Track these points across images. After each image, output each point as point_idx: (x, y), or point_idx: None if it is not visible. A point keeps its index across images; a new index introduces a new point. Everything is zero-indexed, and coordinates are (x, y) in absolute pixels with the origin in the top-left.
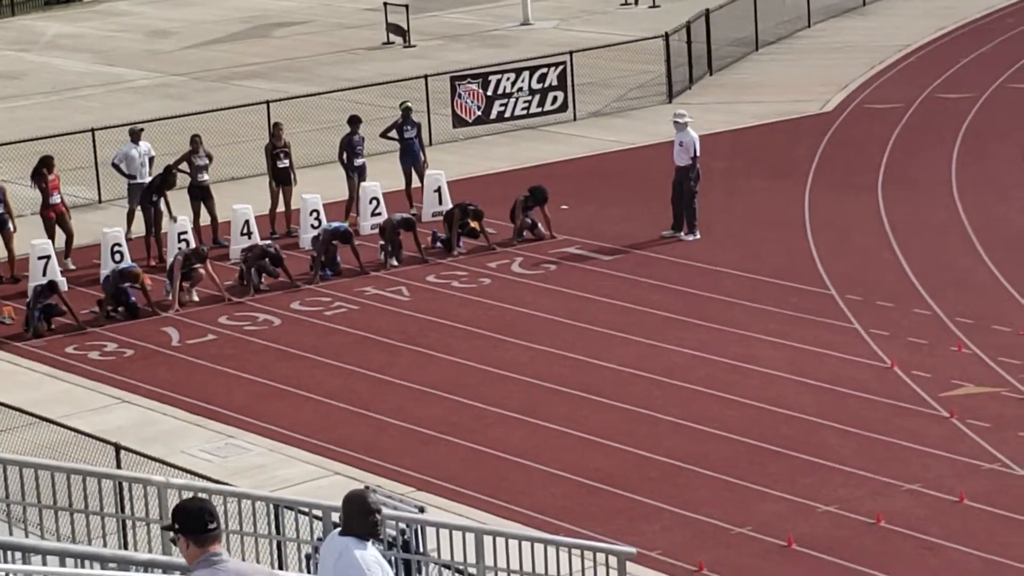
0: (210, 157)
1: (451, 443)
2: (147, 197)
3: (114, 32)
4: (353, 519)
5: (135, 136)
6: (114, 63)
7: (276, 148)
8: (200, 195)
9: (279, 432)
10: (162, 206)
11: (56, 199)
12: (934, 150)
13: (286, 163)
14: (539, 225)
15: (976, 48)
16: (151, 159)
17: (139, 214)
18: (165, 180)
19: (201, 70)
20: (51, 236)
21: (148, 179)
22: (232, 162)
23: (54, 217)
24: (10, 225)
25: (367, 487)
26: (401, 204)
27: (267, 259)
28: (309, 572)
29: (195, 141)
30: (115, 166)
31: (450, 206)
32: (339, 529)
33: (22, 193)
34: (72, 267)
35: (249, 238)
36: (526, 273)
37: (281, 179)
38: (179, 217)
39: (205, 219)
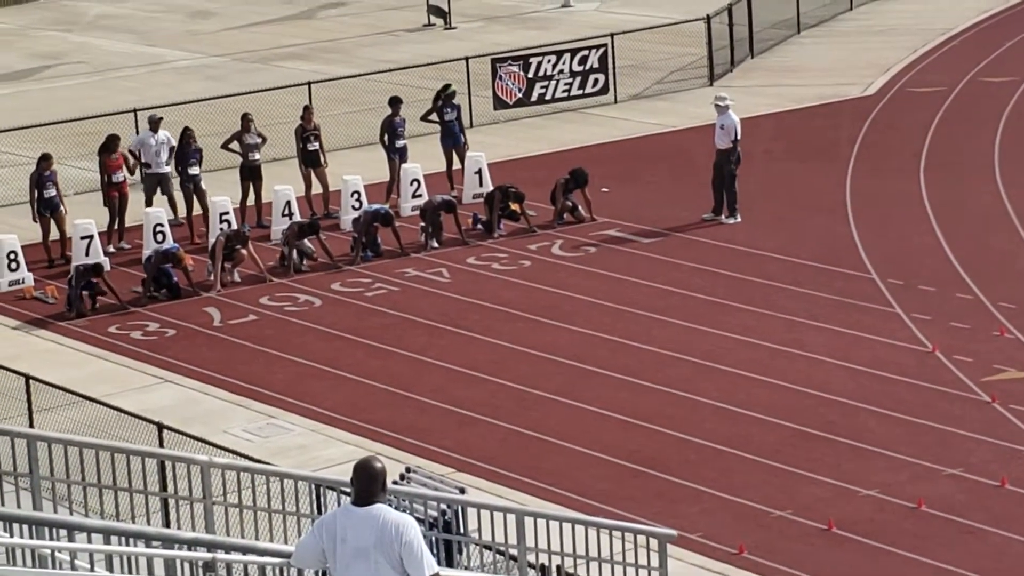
0: (262, 137)
1: (491, 424)
2: (185, 174)
3: (155, 12)
4: (376, 483)
5: (154, 124)
6: (155, 43)
7: (306, 131)
8: (250, 175)
9: (320, 412)
10: (203, 183)
11: (119, 178)
12: (977, 134)
13: (316, 146)
14: (579, 207)
15: (1020, 31)
16: (171, 149)
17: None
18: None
19: (242, 51)
20: (113, 216)
21: (164, 169)
22: (273, 144)
23: (117, 196)
24: (62, 208)
25: (408, 468)
26: (442, 186)
27: (305, 236)
28: None
29: (246, 120)
30: (131, 152)
31: (491, 188)
32: (355, 499)
33: (68, 174)
34: (127, 246)
35: (290, 219)
36: (566, 255)
37: (311, 161)
38: (220, 199)
39: (251, 200)
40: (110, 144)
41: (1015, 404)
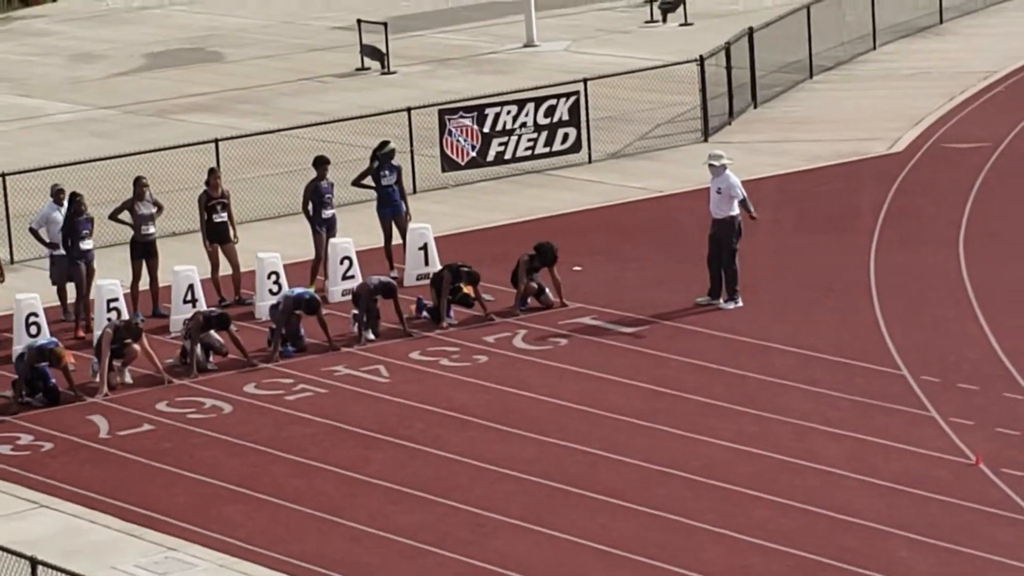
0: (159, 206)
1: (442, 557)
2: (76, 250)
3: (30, 56)
4: None
5: (58, 197)
6: (30, 93)
7: (212, 199)
8: (143, 252)
9: (231, 543)
10: (95, 262)
11: None
12: None
13: (224, 217)
14: (547, 290)
15: None
16: (89, 221)
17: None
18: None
19: (135, 102)
20: None
21: (89, 245)
22: (173, 214)
23: None
24: None
25: None
26: (379, 265)
27: (212, 329)
28: None
29: (139, 185)
30: (33, 231)
31: (439, 267)
32: None
33: None
34: None
35: (194, 306)
36: (531, 349)
37: (219, 236)
38: (108, 282)
39: (144, 283)
40: None
41: None
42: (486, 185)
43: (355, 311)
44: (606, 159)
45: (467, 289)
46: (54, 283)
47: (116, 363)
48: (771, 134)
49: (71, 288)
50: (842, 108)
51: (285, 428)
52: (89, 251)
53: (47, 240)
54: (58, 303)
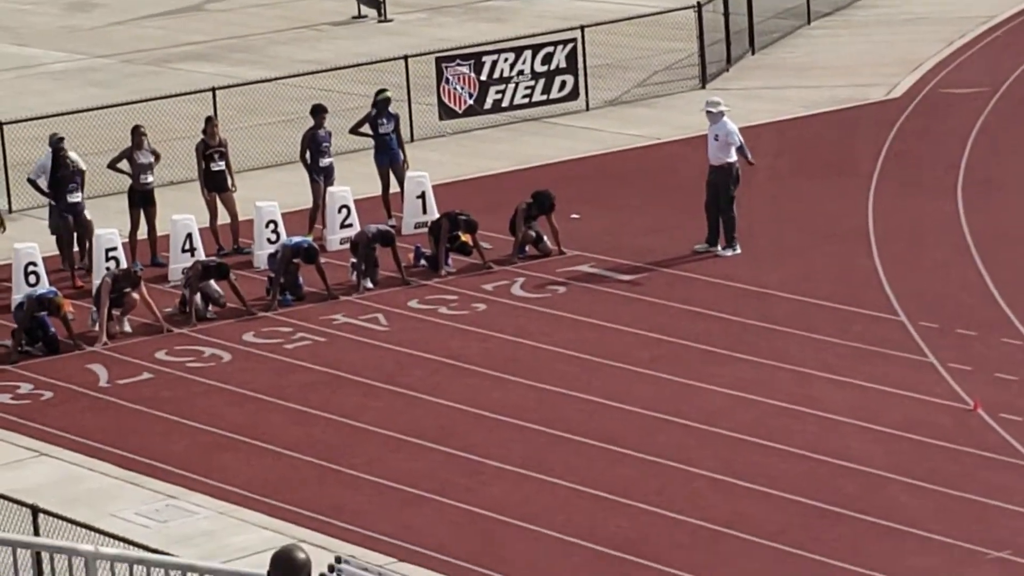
0: (156, 155)
1: (440, 504)
2: (63, 202)
3: (25, 5)
4: None
5: (57, 145)
6: (25, 42)
7: (210, 147)
8: (142, 201)
9: (230, 491)
10: (87, 213)
11: None
12: None
13: (222, 165)
14: (544, 238)
15: None
16: (77, 173)
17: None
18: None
19: (131, 51)
20: None
21: (76, 197)
22: (171, 163)
23: None
24: None
25: (338, 558)
26: (377, 213)
27: (212, 278)
28: None
29: (137, 134)
30: (32, 182)
31: (436, 216)
32: None
33: None
34: None
35: (192, 255)
36: (529, 297)
37: (216, 185)
38: (107, 231)
39: (142, 232)
40: None
41: None
42: (483, 133)
43: (353, 259)
44: (603, 106)
45: (465, 237)
46: (52, 232)
47: (115, 312)
48: (769, 80)
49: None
50: (840, 54)
51: (284, 376)
52: (77, 203)
53: (45, 190)
54: (56, 252)
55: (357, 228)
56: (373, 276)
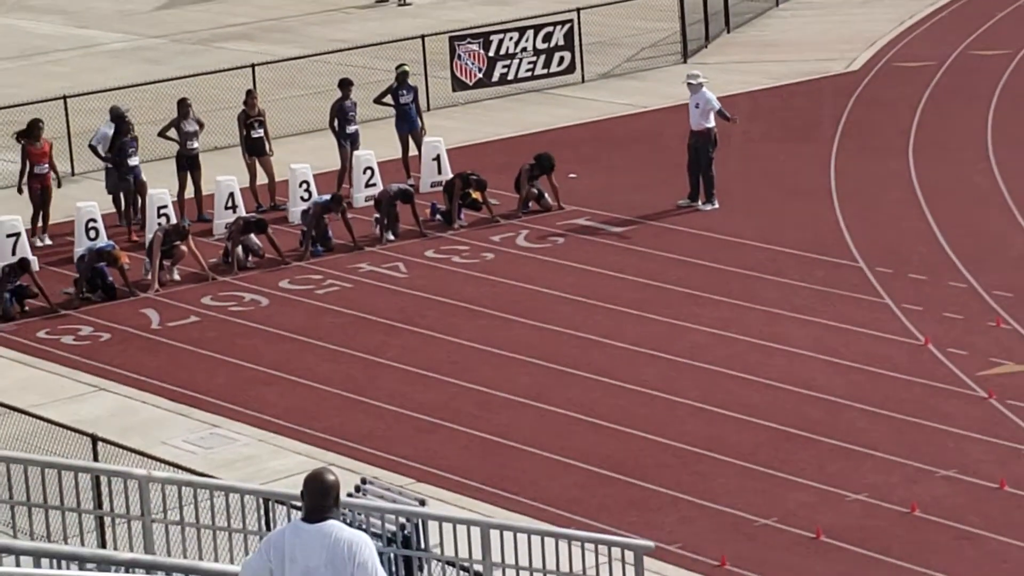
0: (200, 124)
1: (453, 431)
2: (124, 166)
3: None
4: (328, 498)
5: (117, 116)
6: (86, 25)
7: (250, 117)
8: (188, 165)
9: (268, 420)
10: (143, 175)
11: (43, 169)
12: (968, 111)
13: (260, 133)
14: (546, 195)
15: (1013, 1)
16: (134, 140)
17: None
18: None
19: (180, 32)
20: (36, 209)
21: (133, 161)
22: (215, 131)
23: (39, 189)
24: None
25: (363, 479)
26: (398, 174)
27: (252, 232)
28: None
29: (184, 105)
30: (92, 148)
31: (450, 176)
32: (305, 515)
33: None
34: (49, 242)
35: (234, 212)
36: (532, 247)
37: (256, 150)
38: (158, 191)
39: (189, 192)
40: (32, 130)
41: (1013, 400)
42: (491, 103)
43: (377, 215)
44: (597, 79)
45: (476, 195)
46: (110, 192)
47: (166, 263)
48: (743, 55)
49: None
50: (805, 32)
51: (315, 318)
52: (136, 167)
53: (104, 155)
54: (113, 210)
55: (380, 187)
56: (394, 229)
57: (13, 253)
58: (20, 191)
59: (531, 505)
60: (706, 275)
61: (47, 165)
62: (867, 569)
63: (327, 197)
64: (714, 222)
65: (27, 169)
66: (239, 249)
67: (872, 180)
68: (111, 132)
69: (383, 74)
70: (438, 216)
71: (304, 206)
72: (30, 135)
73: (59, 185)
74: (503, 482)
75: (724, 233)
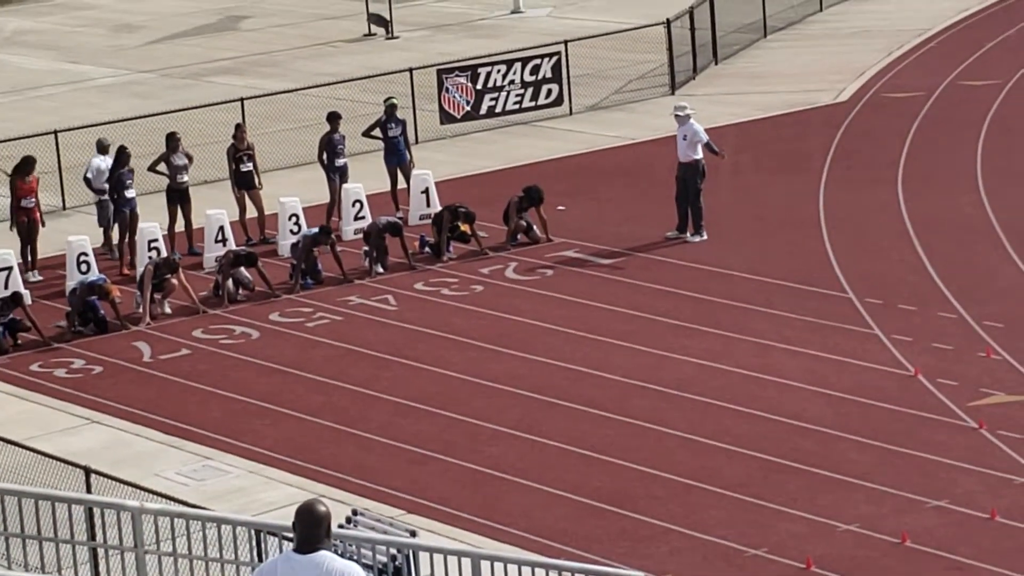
0: (190, 158)
1: (443, 462)
2: (122, 199)
3: (77, 27)
4: (320, 528)
5: (103, 148)
6: (77, 60)
7: (239, 151)
8: (178, 199)
9: (259, 452)
10: (137, 208)
11: (30, 203)
12: (958, 141)
13: (249, 166)
14: (534, 227)
15: (1002, 31)
16: (131, 172)
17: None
18: (119, 159)
19: (169, 66)
20: (24, 243)
21: (132, 194)
22: (204, 164)
23: (25, 222)
24: None
25: (354, 510)
26: (386, 207)
27: (242, 265)
28: None
29: (173, 139)
30: (87, 180)
31: (439, 208)
32: (297, 546)
33: None
34: (39, 278)
35: (224, 245)
36: (521, 279)
37: (245, 183)
38: (148, 225)
39: (180, 225)
40: (25, 166)
41: (1003, 430)
42: (480, 135)
43: (366, 247)
44: (585, 111)
45: (464, 227)
46: (100, 225)
47: (157, 296)
48: (731, 87)
49: (116, 229)
50: (793, 63)
51: (306, 351)
52: (132, 199)
53: (95, 188)
54: (102, 241)
55: (369, 220)
56: (383, 262)
57: (5, 287)
58: (11, 227)
59: (522, 536)
60: (695, 307)
61: (33, 199)
62: None
63: (316, 230)
64: (703, 253)
65: (14, 204)
66: (229, 282)
67: (861, 211)
68: (103, 164)
69: (371, 107)
70: (427, 249)
71: (294, 239)
72: (22, 171)
73: (43, 224)
74: (494, 513)
75: (713, 264)
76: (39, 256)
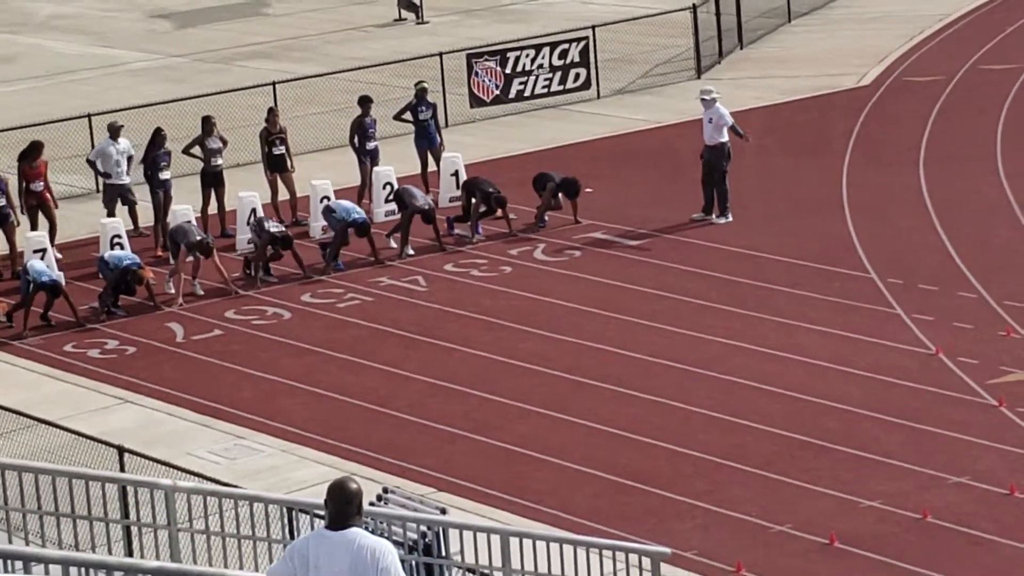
0: (224, 141)
1: (473, 440)
2: (155, 180)
3: (111, 12)
4: (351, 506)
5: (114, 132)
6: (111, 44)
7: (272, 134)
8: (212, 181)
9: (291, 432)
10: (172, 190)
11: (38, 187)
12: (978, 125)
13: (282, 150)
14: (545, 216)
15: (1022, 16)
16: (129, 158)
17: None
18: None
19: (202, 51)
20: (33, 226)
21: (125, 179)
22: (237, 148)
23: (34, 205)
24: (12, 219)
25: (385, 488)
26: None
27: (277, 246)
28: None
29: (208, 123)
30: (90, 163)
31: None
32: (329, 523)
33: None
34: (59, 256)
35: (254, 221)
36: (549, 260)
37: (277, 166)
38: (182, 207)
39: (213, 207)
40: (31, 151)
41: (1023, 407)
42: (508, 119)
43: (393, 232)
44: (612, 95)
45: (498, 212)
46: (105, 207)
47: (189, 277)
48: (755, 71)
49: (146, 211)
50: (816, 48)
51: (337, 331)
52: (167, 180)
53: (101, 170)
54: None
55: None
56: (405, 239)
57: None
58: (23, 210)
59: (550, 513)
60: (721, 287)
61: (42, 183)
62: (880, 574)
63: (359, 217)
64: (728, 235)
65: (23, 188)
66: (261, 265)
67: (883, 193)
68: (109, 148)
69: (402, 91)
70: (456, 229)
71: (325, 222)
72: (29, 156)
73: (56, 205)
74: (522, 491)
75: (738, 246)
76: (69, 237)
